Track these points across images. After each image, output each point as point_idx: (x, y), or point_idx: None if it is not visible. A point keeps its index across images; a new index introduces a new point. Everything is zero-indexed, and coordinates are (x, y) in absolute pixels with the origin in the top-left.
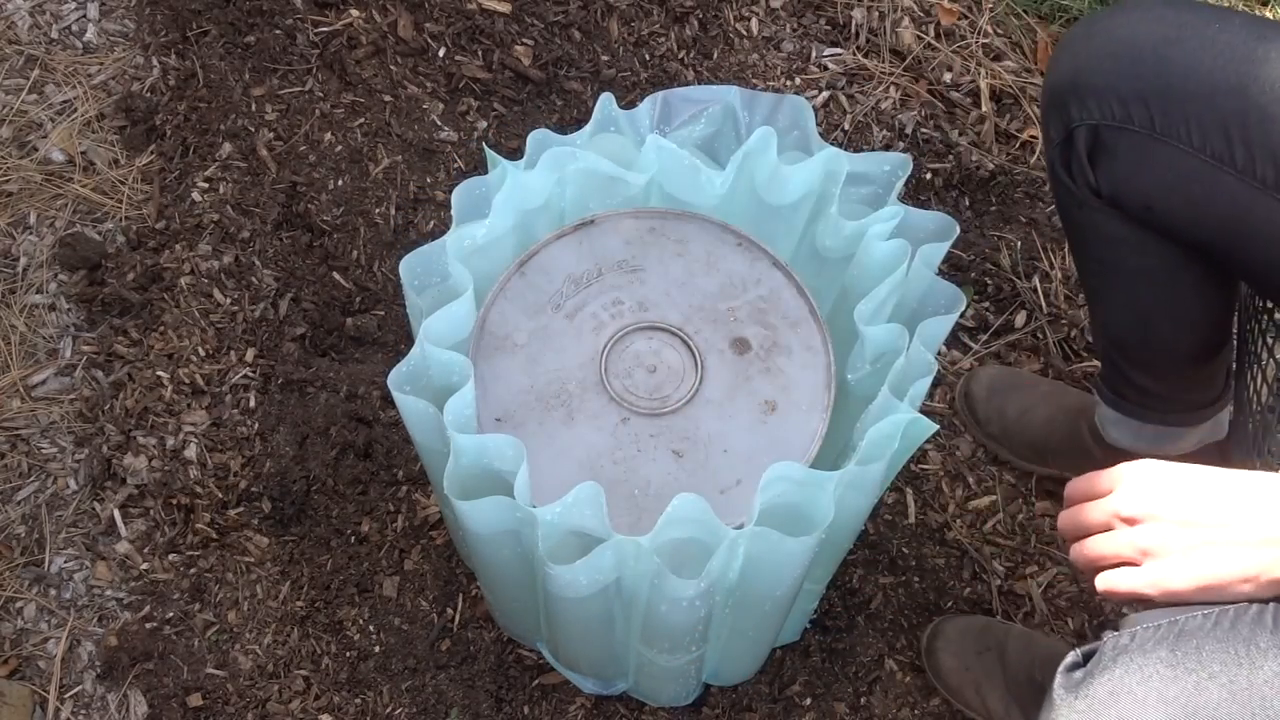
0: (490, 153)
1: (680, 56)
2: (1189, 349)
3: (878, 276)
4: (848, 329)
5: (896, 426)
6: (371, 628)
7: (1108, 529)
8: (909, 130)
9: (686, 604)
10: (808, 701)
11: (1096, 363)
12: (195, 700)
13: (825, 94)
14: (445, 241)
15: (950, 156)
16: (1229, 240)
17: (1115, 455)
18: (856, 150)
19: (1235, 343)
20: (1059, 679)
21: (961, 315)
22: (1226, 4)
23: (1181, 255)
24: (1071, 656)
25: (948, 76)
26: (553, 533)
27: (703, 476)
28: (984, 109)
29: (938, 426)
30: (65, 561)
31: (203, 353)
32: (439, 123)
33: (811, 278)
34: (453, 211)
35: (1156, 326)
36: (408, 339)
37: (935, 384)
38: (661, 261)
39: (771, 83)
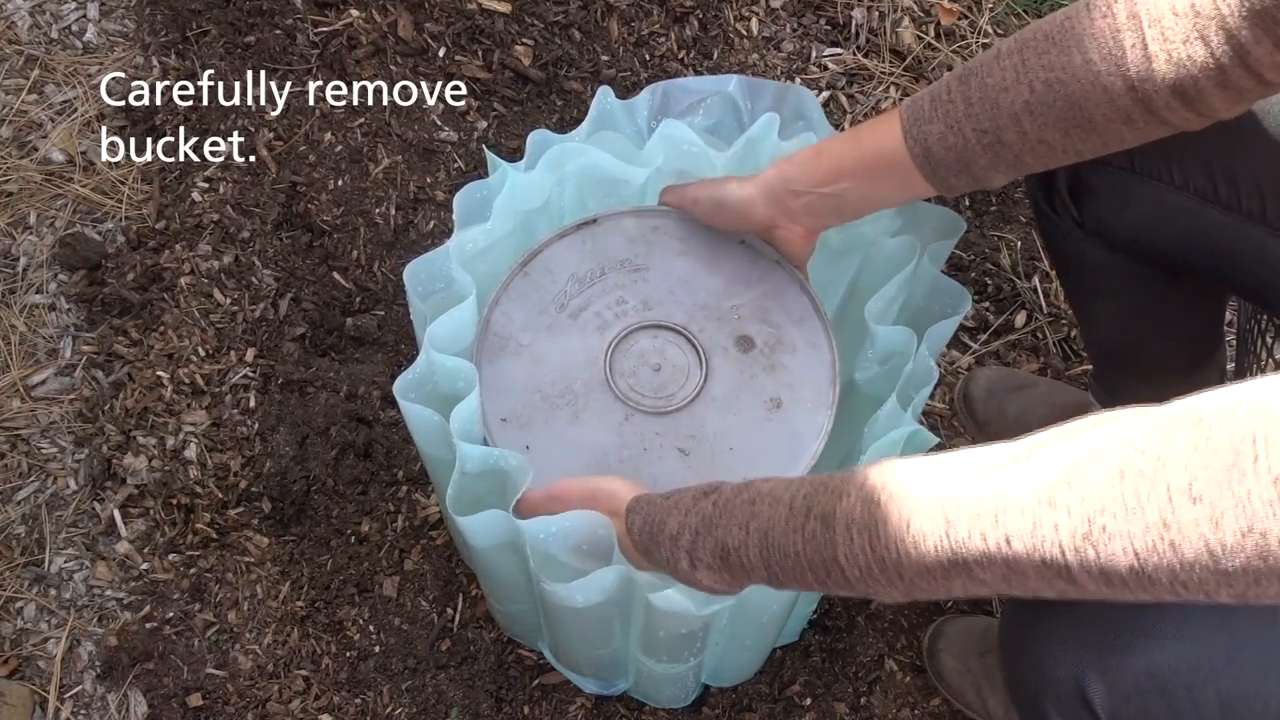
0: (490, 155)
1: (680, 56)
2: (1181, 360)
3: (886, 273)
4: (856, 326)
5: (897, 440)
6: (371, 628)
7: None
8: None
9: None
10: (808, 701)
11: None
12: (195, 700)
13: (825, 94)
14: (448, 247)
15: None
16: (1221, 267)
17: None
18: None
19: (1235, 342)
20: None
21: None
22: None
23: (1169, 276)
24: None
25: None
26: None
27: (708, 474)
28: None
29: (938, 440)
30: (65, 561)
31: (203, 353)
32: (439, 123)
33: (818, 274)
34: (454, 216)
35: (1148, 343)
36: (408, 339)
37: (935, 384)
38: (664, 260)
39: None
